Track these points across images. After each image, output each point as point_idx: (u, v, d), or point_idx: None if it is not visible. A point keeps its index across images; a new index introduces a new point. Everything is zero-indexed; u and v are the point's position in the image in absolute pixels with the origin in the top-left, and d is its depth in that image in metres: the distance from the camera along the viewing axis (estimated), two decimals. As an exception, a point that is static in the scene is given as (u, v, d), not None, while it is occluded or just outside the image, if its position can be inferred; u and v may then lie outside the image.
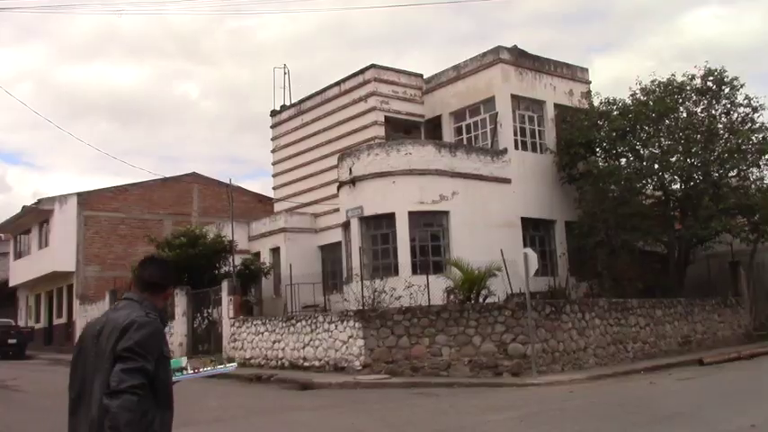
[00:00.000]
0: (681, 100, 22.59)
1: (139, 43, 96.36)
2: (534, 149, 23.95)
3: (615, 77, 77.68)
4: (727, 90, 22.43)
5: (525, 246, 20.44)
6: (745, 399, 11.72)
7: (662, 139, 22.54)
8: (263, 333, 20.16)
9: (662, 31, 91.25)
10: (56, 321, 35.54)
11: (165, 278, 3.53)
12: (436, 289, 17.94)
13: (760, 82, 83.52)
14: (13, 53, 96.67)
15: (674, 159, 21.93)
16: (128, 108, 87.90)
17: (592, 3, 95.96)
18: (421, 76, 26.42)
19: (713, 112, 22.60)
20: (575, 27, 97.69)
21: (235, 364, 4.31)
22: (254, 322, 20.73)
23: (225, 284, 22.33)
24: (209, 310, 23.87)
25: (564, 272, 22.49)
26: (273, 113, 30.45)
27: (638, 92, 22.88)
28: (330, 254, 25.99)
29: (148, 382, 3.03)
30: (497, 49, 23.72)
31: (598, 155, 23.71)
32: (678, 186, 22.90)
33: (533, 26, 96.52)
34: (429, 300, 17.58)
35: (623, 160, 23.50)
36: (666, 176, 22.55)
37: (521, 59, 24.10)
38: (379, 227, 21.07)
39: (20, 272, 37.20)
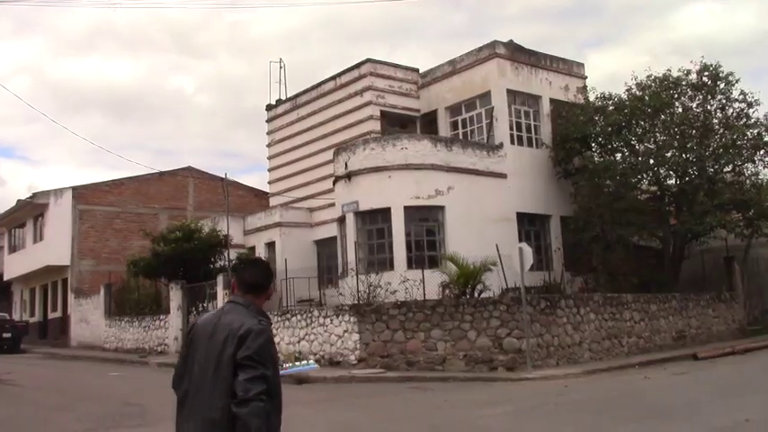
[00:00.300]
0: (676, 95, 22.60)
1: (135, 37, 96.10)
2: (530, 144, 23.95)
3: (610, 73, 77.79)
4: (722, 85, 22.46)
5: (520, 240, 20.43)
6: (740, 393, 11.75)
7: (657, 135, 22.56)
8: (258, 327, 20.11)
9: (656, 27, 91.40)
10: (50, 315, 35.46)
11: (266, 279, 3.67)
12: (431, 283, 17.95)
13: (754, 77, 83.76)
14: (9, 47, 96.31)
15: (669, 154, 21.95)
16: (123, 102, 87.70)
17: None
18: (417, 70, 26.38)
19: (708, 107, 22.62)
20: (569, 22, 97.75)
21: (316, 366, 4.41)
22: (250, 316, 20.68)
23: (220, 279, 22.33)
24: (205, 304, 23.85)
25: (559, 267, 22.50)
26: (269, 107, 30.38)
27: (633, 87, 22.90)
28: (325, 248, 25.97)
29: (269, 388, 3.30)
30: (493, 44, 23.70)
31: (594, 150, 23.72)
32: (673, 181, 22.93)
33: (528, 21, 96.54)
34: (424, 294, 17.58)
35: (619, 155, 23.52)
36: (662, 171, 22.59)
37: (517, 54, 24.08)
38: (374, 221, 21.05)
39: (14, 266, 37.09)
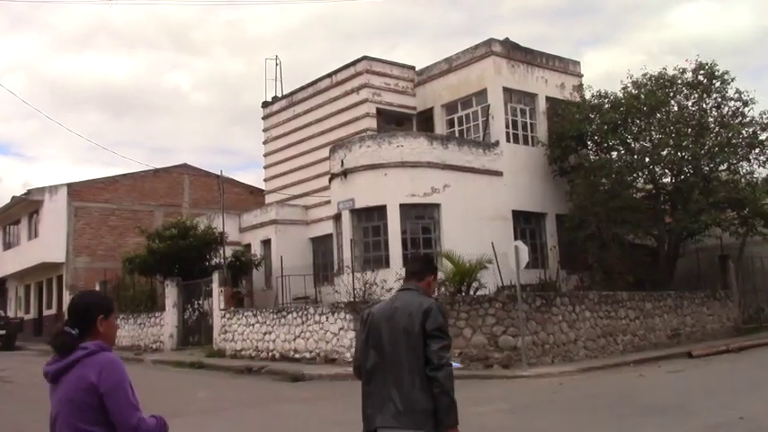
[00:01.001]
0: (672, 93, 22.65)
1: (131, 34, 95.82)
2: (526, 142, 23.96)
3: (605, 71, 77.82)
4: (717, 84, 22.51)
5: (516, 238, 20.45)
6: (734, 391, 11.79)
7: (653, 133, 22.59)
8: (253, 325, 20.13)
9: (651, 26, 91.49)
10: (45, 312, 35.38)
11: (423, 266, 4.37)
12: (427, 281, 17.91)
13: (749, 76, 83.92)
14: (4, 43, 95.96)
15: (664, 153, 21.98)
16: (119, 99, 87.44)
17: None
18: (413, 68, 26.36)
19: (704, 105, 22.67)
20: (565, 21, 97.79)
21: (459, 365, 4.75)
22: (245, 314, 20.70)
23: (216, 276, 22.28)
24: (200, 302, 23.84)
25: (554, 264, 22.53)
26: (265, 105, 30.35)
27: (629, 85, 22.93)
28: (321, 246, 25.97)
29: (450, 354, 4.03)
30: (489, 42, 23.69)
31: (589, 148, 23.76)
32: (669, 180, 22.98)
33: (524, 20, 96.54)
34: (420, 292, 17.55)
35: (614, 153, 23.55)
36: (657, 170, 22.62)
37: (513, 52, 24.08)
38: (370, 219, 21.05)
39: (9, 263, 37.00)
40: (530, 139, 24.05)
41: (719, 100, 22.67)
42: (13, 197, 34.38)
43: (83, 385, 3.02)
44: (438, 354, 3.92)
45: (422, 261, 4.49)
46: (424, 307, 4.00)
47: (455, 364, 4.05)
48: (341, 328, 17.30)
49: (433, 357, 3.92)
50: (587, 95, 23.95)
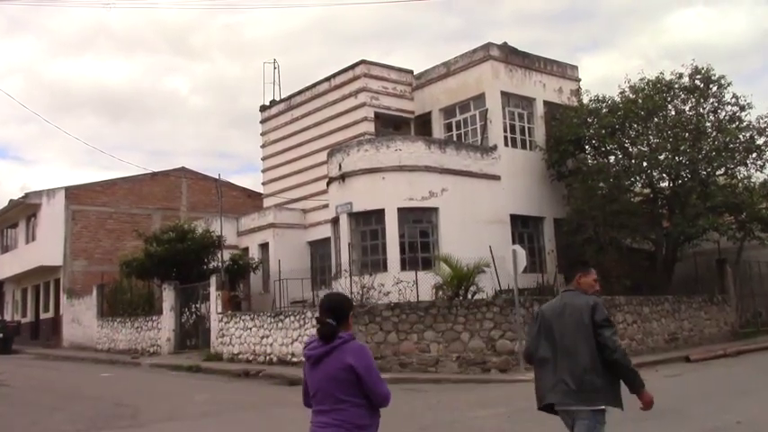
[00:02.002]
0: (669, 98, 22.67)
1: (130, 38, 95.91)
2: (524, 146, 23.99)
3: (602, 76, 78.09)
4: (714, 88, 22.55)
5: (514, 242, 20.47)
6: (731, 395, 11.79)
7: (650, 137, 22.63)
8: (251, 328, 20.11)
9: (648, 31, 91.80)
10: (43, 316, 35.32)
11: (569, 270, 5.32)
12: (425, 285, 17.94)
13: (745, 81, 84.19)
14: (2, 46, 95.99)
15: (662, 157, 21.99)
16: (117, 102, 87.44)
17: (578, 2, 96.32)
18: (411, 72, 26.39)
19: (701, 110, 22.69)
20: (561, 26, 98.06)
21: None
22: (243, 317, 20.67)
23: (213, 279, 22.26)
24: (198, 305, 23.81)
25: (552, 269, 22.52)
26: (263, 108, 30.35)
27: (626, 89, 22.97)
28: (319, 249, 25.96)
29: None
30: (487, 46, 23.72)
31: (587, 152, 23.78)
32: (666, 184, 22.99)
33: (520, 25, 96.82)
34: (417, 296, 17.59)
35: (612, 158, 23.58)
36: (655, 174, 22.64)
37: (511, 56, 24.12)
38: (368, 223, 21.05)
39: (6, 266, 36.93)
40: (527, 144, 24.07)
41: (716, 104, 22.71)
42: (11, 200, 34.35)
43: (342, 366, 3.94)
44: (612, 340, 4.74)
45: (570, 266, 5.49)
46: (591, 303, 4.84)
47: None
48: (338, 332, 17.24)
49: (608, 343, 4.72)
50: (585, 100, 23.98)
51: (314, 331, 15.88)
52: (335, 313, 4.13)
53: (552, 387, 4.86)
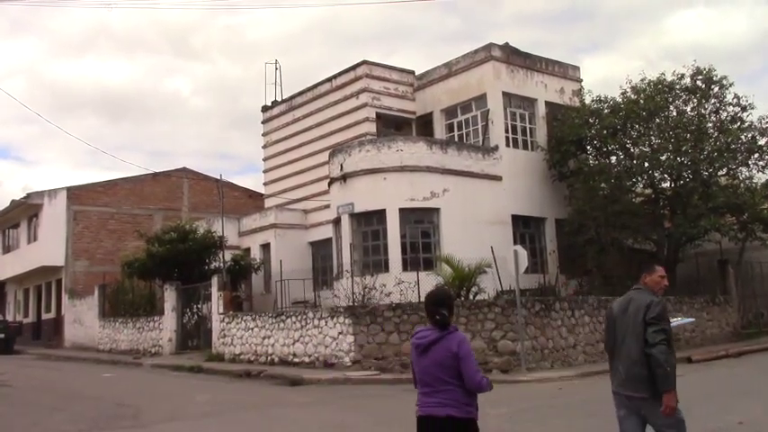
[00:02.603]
0: (671, 98, 22.66)
1: (131, 39, 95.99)
2: (525, 147, 23.98)
3: (603, 78, 78.07)
4: (716, 89, 22.53)
5: (515, 243, 20.46)
6: (733, 396, 11.78)
7: (652, 138, 22.61)
8: (252, 329, 20.10)
9: (648, 32, 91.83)
10: (44, 316, 35.34)
11: (641, 270, 5.81)
12: (426, 285, 17.77)
13: (745, 82, 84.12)
14: (4, 47, 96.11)
15: (664, 158, 21.98)
16: (119, 103, 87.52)
17: (578, 3, 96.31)
18: (412, 72, 26.39)
19: (702, 110, 22.67)
20: (562, 27, 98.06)
21: (693, 319, 7.28)
22: (244, 318, 20.67)
23: (215, 280, 22.26)
24: (199, 306, 23.81)
25: (554, 269, 22.53)
26: (265, 109, 30.36)
27: (628, 90, 22.95)
28: (320, 250, 25.96)
29: (667, 337, 5.23)
30: (489, 47, 23.72)
31: (589, 153, 23.76)
32: (668, 185, 22.98)
33: (521, 26, 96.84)
34: (419, 296, 17.55)
35: (614, 158, 23.57)
36: (656, 175, 22.62)
37: (512, 57, 24.11)
38: (369, 223, 21.05)
39: (8, 266, 36.96)
40: (529, 144, 24.07)
41: (718, 105, 22.70)
42: (13, 201, 34.37)
43: (448, 353, 4.57)
44: (652, 336, 5.21)
45: (640, 267, 5.97)
46: (647, 302, 5.37)
47: (688, 319, 6.58)
48: (340, 333, 17.27)
49: (648, 338, 5.23)
50: (587, 100, 23.97)
51: (316, 332, 15.88)
52: (448, 305, 4.78)
53: (612, 375, 5.58)
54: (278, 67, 30.99)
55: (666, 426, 5.25)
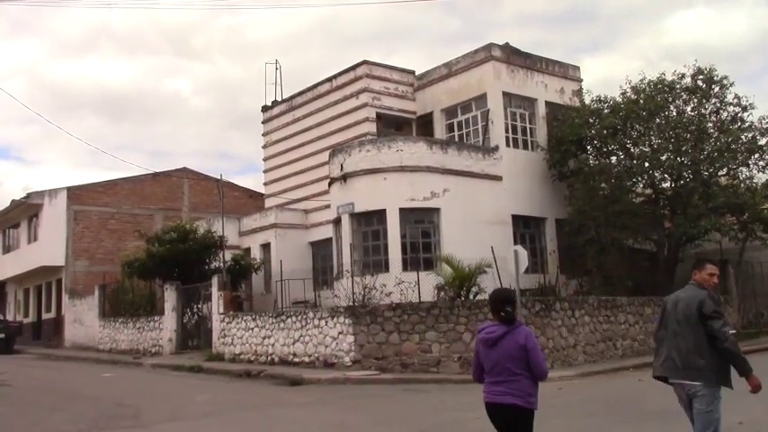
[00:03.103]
0: (671, 98, 22.65)
1: (131, 39, 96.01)
2: (525, 147, 23.97)
3: (603, 78, 78.10)
4: (716, 89, 22.52)
5: (516, 243, 20.45)
6: (733, 396, 11.70)
7: (652, 138, 22.60)
8: (252, 329, 20.11)
9: (648, 33, 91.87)
10: (45, 316, 35.33)
11: (692, 267, 6.16)
12: (426, 286, 17.93)
13: (745, 82, 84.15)
14: (5, 48, 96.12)
15: (664, 158, 21.97)
16: (119, 103, 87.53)
17: (579, 4, 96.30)
18: (413, 72, 26.37)
19: (703, 110, 22.66)
20: (562, 28, 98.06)
21: (734, 331, 6.88)
22: (244, 318, 20.67)
23: (215, 280, 22.26)
24: (199, 306, 23.80)
25: (554, 269, 22.52)
26: (265, 109, 30.34)
27: (628, 90, 22.94)
28: (321, 250, 25.95)
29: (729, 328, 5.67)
30: (489, 47, 23.71)
31: (589, 153, 23.74)
32: (668, 185, 22.96)
33: (521, 26, 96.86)
34: (419, 296, 17.58)
35: (614, 158, 23.55)
36: (657, 175, 22.61)
37: (512, 57, 24.10)
38: (369, 223, 21.04)
39: (8, 266, 36.95)
40: (529, 144, 24.06)
41: (718, 105, 22.69)
42: (13, 200, 34.36)
43: (516, 345, 5.12)
44: (720, 331, 5.57)
45: (693, 263, 6.31)
46: (699, 298, 5.71)
47: (732, 331, 5.92)
48: (340, 333, 17.27)
49: (718, 335, 5.57)
50: (587, 100, 23.96)
51: (316, 332, 16.01)
52: (510, 303, 5.31)
53: (662, 363, 5.91)
54: (278, 67, 31.02)
55: (704, 413, 5.71)
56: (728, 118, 22.63)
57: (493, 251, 18.17)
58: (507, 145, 23.29)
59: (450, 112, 24.99)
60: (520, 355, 5.11)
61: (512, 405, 5.10)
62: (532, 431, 5.24)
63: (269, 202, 29.11)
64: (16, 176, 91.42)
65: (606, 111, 22.84)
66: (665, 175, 22.67)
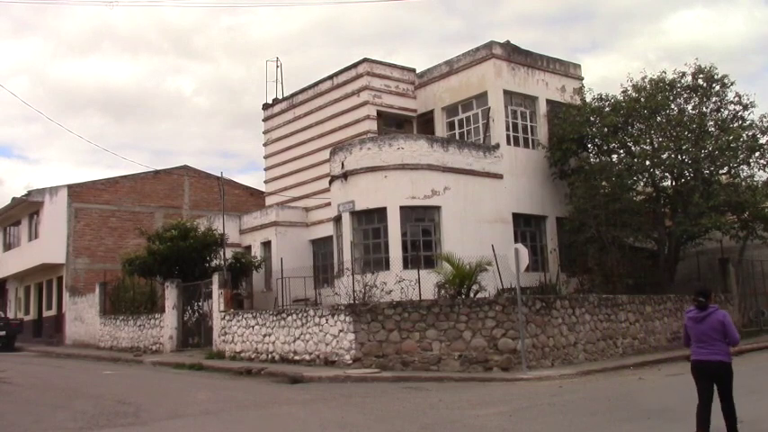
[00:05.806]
0: (672, 97, 22.65)
1: (134, 39, 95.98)
2: (526, 145, 23.97)
3: (602, 78, 78.14)
4: (717, 88, 22.52)
5: (516, 241, 20.47)
6: (734, 395, 11.73)
7: (653, 136, 22.60)
8: (253, 327, 20.12)
9: (647, 33, 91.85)
10: (45, 313, 35.38)
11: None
12: (427, 284, 17.93)
13: (744, 83, 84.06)
14: (8, 47, 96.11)
15: (665, 156, 21.98)
16: (121, 102, 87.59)
17: (578, 4, 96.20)
18: (413, 70, 26.36)
19: (704, 109, 22.66)
20: (561, 28, 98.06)
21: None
22: (245, 316, 20.69)
23: (215, 278, 22.27)
24: (200, 304, 23.82)
25: (554, 267, 22.52)
26: (266, 107, 30.34)
27: (629, 88, 22.94)
28: (321, 248, 25.97)
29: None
30: (490, 45, 23.69)
31: (590, 151, 23.75)
32: (669, 183, 22.98)
33: (520, 26, 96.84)
34: (420, 294, 17.58)
35: (615, 156, 23.57)
36: (657, 173, 22.62)
37: (513, 55, 24.09)
38: (370, 221, 21.04)
39: (9, 263, 37.00)
40: (530, 142, 24.06)
41: (719, 104, 22.70)
42: (14, 198, 34.37)
43: (717, 322, 7.69)
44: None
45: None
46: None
47: None
48: (341, 331, 17.29)
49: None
50: (588, 98, 23.95)
51: (316, 330, 16.17)
52: (704, 295, 7.79)
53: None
54: (279, 65, 31.01)
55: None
56: (729, 116, 22.65)
57: (493, 249, 18.16)
58: (508, 143, 23.29)
59: (450, 110, 24.98)
60: (719, 328, 7.67)
61: (719, 361, 7.65)
62: (733, 378, 7.77)
63: (270, 200, 29.12)
64: (19, 175, 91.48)
65: (607, 109, 22.83)
66: (666, 174, 22.68)
